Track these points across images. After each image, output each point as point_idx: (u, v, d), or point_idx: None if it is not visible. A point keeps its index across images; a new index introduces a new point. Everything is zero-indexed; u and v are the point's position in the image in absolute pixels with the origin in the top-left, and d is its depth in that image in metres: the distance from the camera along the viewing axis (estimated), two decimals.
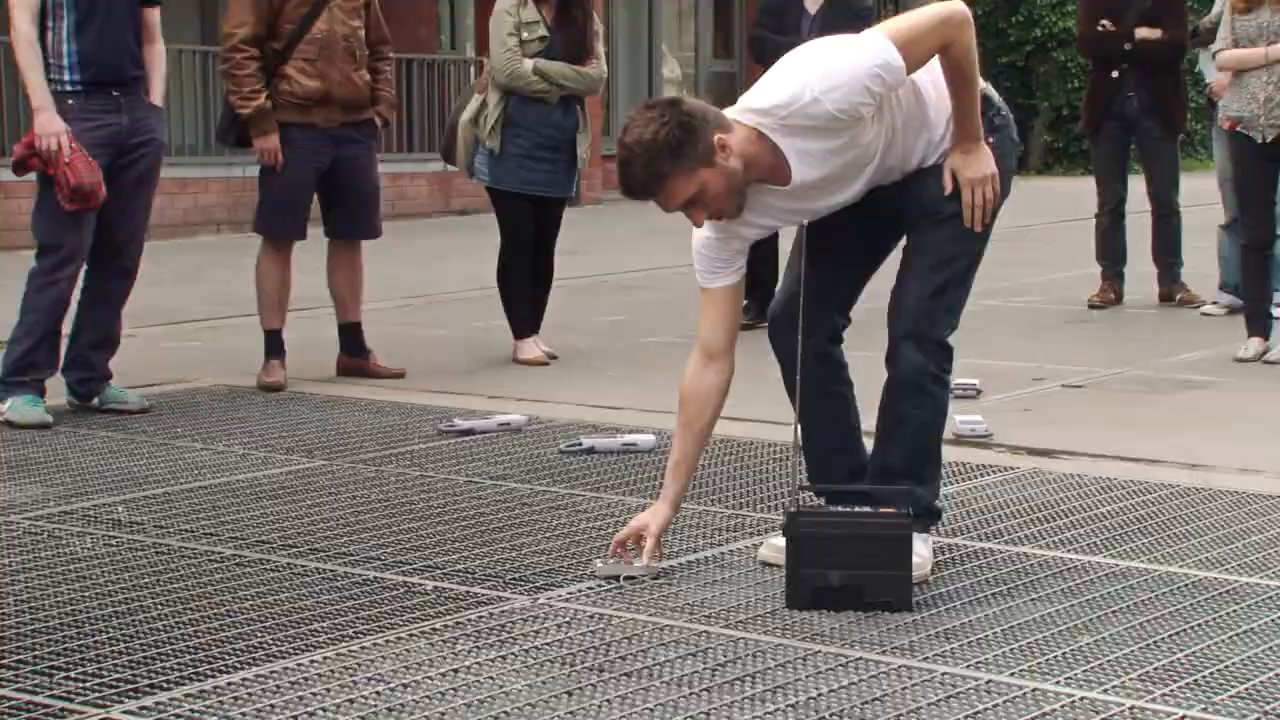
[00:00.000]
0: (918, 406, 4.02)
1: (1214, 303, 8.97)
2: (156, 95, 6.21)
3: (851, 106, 3.75)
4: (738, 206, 3.88)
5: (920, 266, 4.01)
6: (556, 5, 7.29)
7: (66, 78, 5.98)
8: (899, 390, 4.03)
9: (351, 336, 7.08)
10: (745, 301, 8.84)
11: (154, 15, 6.22)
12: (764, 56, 7.57)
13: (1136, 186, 9.48)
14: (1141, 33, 9.06)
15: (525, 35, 7.23)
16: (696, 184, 3.77)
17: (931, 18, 3.81)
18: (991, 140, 4.00)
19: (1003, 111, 4.10)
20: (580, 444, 5.54)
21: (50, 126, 5.84)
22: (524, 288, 7.44)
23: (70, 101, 5.96)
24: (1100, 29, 9.18)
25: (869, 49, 3.78)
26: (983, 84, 4.04)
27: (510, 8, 7.30)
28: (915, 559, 3.88)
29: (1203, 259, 9.57)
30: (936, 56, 3.84)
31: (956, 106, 3.92)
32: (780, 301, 4.15)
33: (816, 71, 3.78)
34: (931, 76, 3.91)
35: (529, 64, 7.20)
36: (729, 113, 3.87)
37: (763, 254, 8.50)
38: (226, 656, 3.44)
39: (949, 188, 3.96)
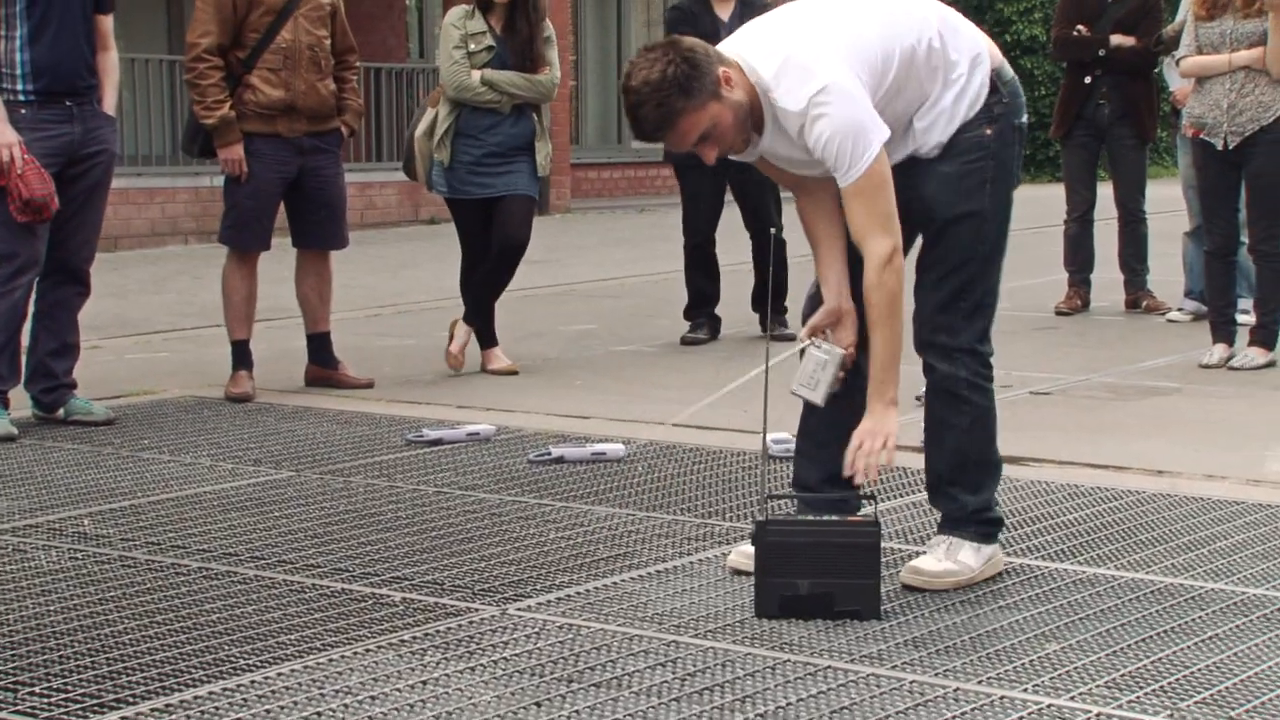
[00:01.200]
0: (957, 414, 4.02)
1: (1179, 309, 9.01)
2: (109, 104, 6.18)
3: (806, 146, 3.79)
4: (744, 140, 3.86)
5: (926, 282, 3.99)
6: (504, 14, 7.28)
7: (19, 87, 5.95)
8: (936, 398, 4.04)
9: (320, 347, 7.06)
10: (701, 320, 8.78)
11: (107, 23, 6.19)
12: None
13: (1103, 192, 9.52)
14: (1116, 39, 9.11)
15: (472, 46, 7.19)
16: (708, 119, 3.75)
17: (884, 220, 3.75)
18: (989, 132, 3.96)
19: (1005, 99, 4.01)
20: (549, 454, 5.53)
21: (3, 138, 5.81)
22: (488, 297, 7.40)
23: (23, 111, 5.93)
24: (1075, 34, 9.22)
25: (862, 158, 3.70)
26: (998, 61, 3.99)
27: (456, 20, 7.28)
28: (954, 565, 3.94)
29: (1168, 266, 9.62)
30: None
31: (872, 351, 3.85)
32: (808, 300, 4.12)
33: (826, 118, 3.71)
34: (904, 99, 3.88)
35: (476, 75, 7.16)
36: (722, 49, 3.87)
37: (710, 271, 8.51)
38: (193, 670, 3.42)
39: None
